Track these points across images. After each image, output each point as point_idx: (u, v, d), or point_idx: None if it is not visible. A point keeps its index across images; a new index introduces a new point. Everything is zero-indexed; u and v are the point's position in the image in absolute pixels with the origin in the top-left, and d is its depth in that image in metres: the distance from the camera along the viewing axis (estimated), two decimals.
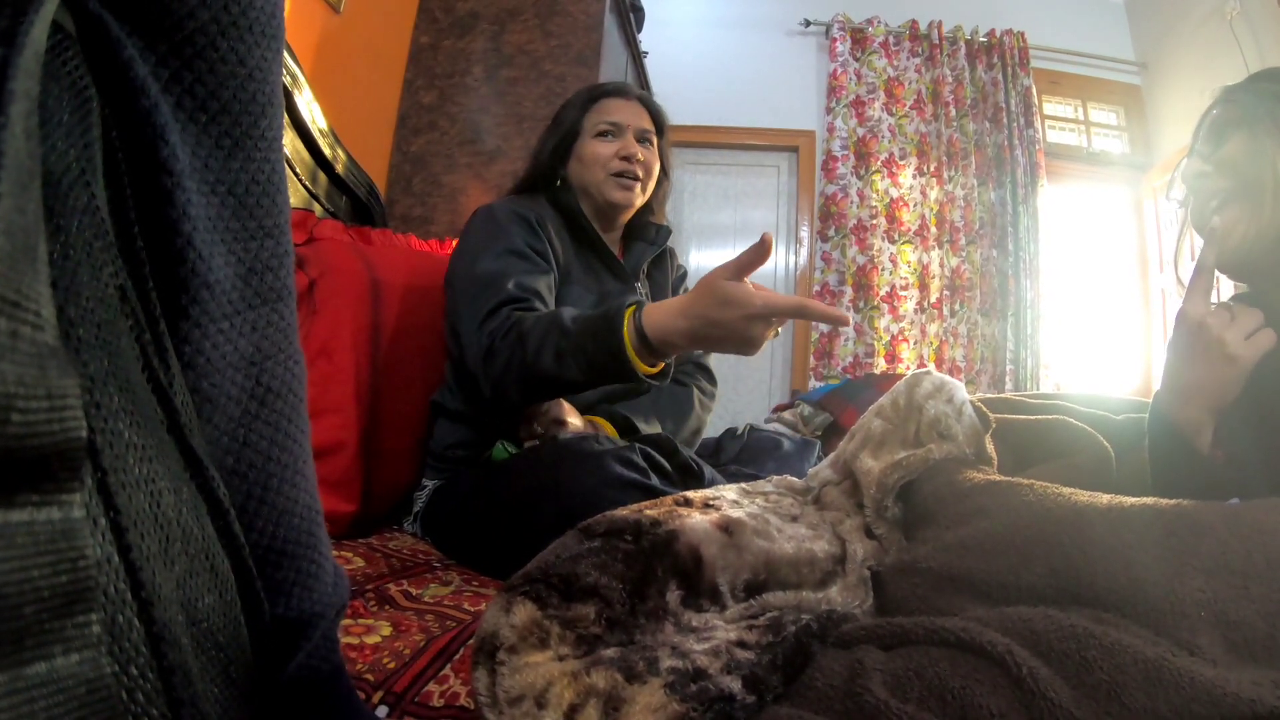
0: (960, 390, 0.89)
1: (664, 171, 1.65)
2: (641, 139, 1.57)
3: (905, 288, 4.00)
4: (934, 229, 4.06)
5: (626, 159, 1.52)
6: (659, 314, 1.09)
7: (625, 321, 1.09)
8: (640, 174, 1.54)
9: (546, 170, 1.58)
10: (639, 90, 1.66)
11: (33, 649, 0.22)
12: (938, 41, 4.17)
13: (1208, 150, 0.88)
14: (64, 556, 0.23)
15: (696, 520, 0.68)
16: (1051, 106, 4.36)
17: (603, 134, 1.54)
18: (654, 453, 1.17)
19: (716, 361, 1.72)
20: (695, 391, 1.60)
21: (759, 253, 1.01)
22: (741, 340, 1.04)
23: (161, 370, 0.33)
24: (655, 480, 1.10)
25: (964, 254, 4.05)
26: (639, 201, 1.57)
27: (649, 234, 1.66)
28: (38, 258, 0.23)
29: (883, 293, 3.97)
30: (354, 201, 2.05)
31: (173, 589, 0.31)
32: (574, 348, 1.12)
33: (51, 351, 0.23)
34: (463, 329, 1.30)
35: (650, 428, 1.43)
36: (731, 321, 1.02)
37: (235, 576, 0.37)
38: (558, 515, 0.73)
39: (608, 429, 1.38)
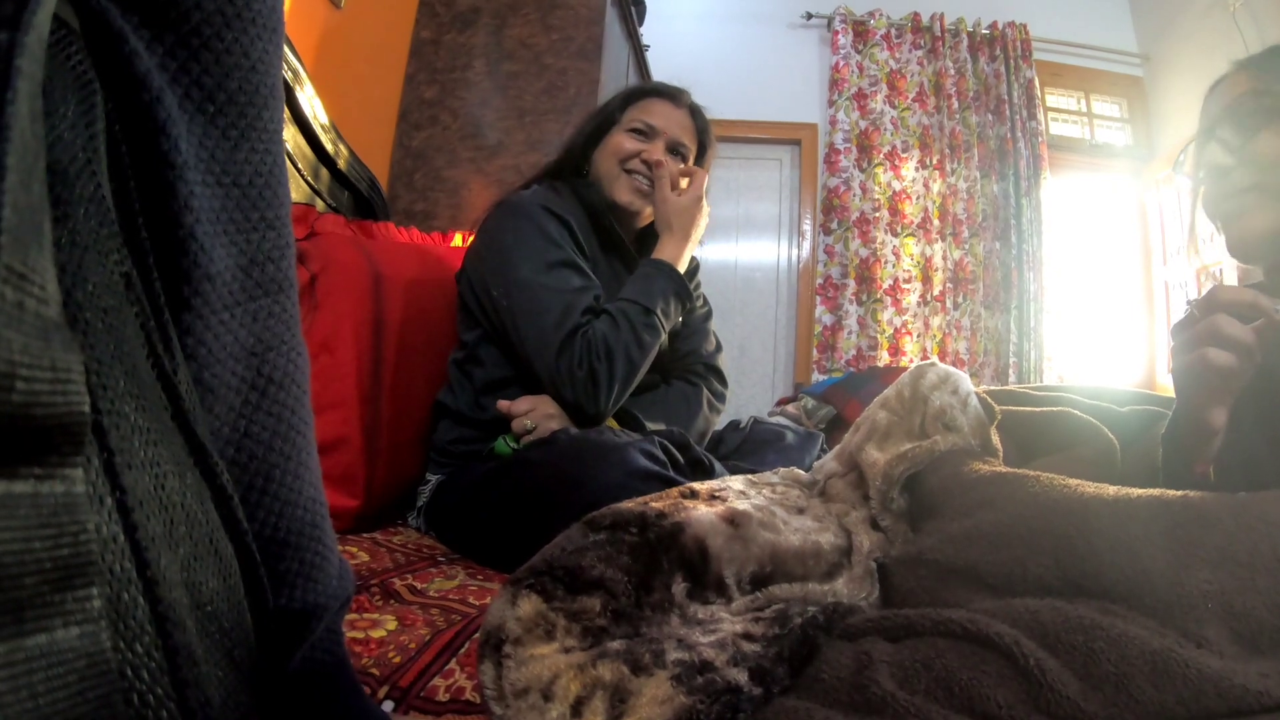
0: (965, 382, 0.89)
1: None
2: (674, 150, 1.52)
3: (908, 280, 4.00)
4: (936, 222, 4.05)
5: (646, 163, 1.49)
6: (667, 251, 1.43)
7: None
8: (661, 183, 1.48)
9: (578, 155, 1.55)
10: (694, 102, 1.60)
11: (33, 620, 0.22)
12: (940, 34, 4.16)
13: (1234, 141, 0.85)
14: (65, 530, 0.24)
15: (702, 512, 0.68)
16: (1054, 98, 4.35)
17: (635, 131, 1.51)
18: (670, 446, 1.17)
19: (725, 360, 1.71)
20: (705, 393, 1.57)
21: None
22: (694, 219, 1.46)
23: (166, 358, 0.33)
24: (673, 473, 1.10)
25: (967, 246, 4.04)
26: (646, 210, 1.53)
27: None
28: (43, 235, 0.23)
29: (885, 286, 3.96)
30: (356, 196, 2.05)
31: (177, 571, 0.31)
32: (662, 315, 1.36)
33: (55, 326, 0.23)
34: (530, 351, 1.32)
35: (656, 427, 1.42)
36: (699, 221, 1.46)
37: (239, 563, 0.37)
38: (582, 506, 0.73)
39: (613, 425, 1.38)
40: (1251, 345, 0.70)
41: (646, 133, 1.51)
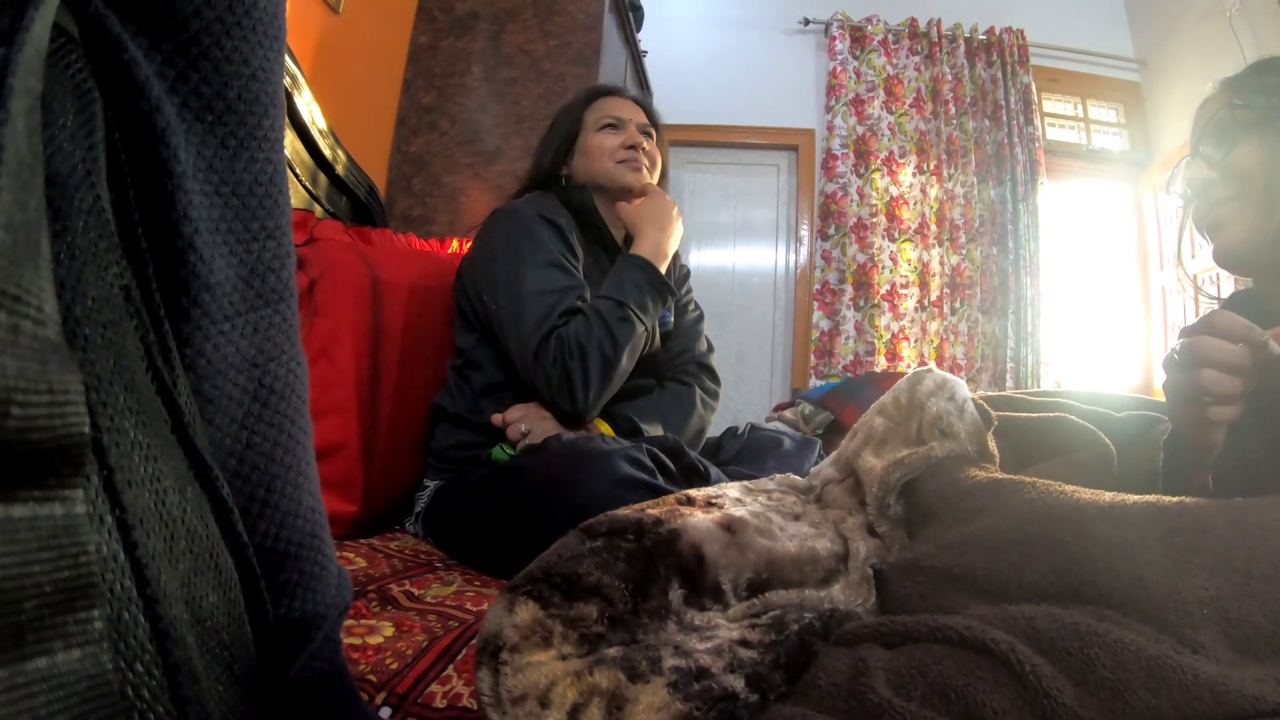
0: (962, 388, 0.89)
1: (663, 172, 1.66)
2: (645, 133, 1.60)
3: (905, 286, 4.00)
4: (934, 227, 4.06)
5: (632, 147, 1.56)
6: (642, 248, 1.47)
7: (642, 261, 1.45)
8: (647, 162, 1.57)
9: (548, 170, 1.60)
10: (635, 92, 1.72)
11: (34, 644, 0.22)
12: (937, 39, 4.17)
13: (1215, 155, 0.86)
14: (65, 552, 0.23)
15: (699, 519, 0.68)
16: (1051, 104, 4.35)
17: (606, 127, 1.58)
18: (660, 454, 1.17)
19: (717, 360, 1.72)
20: (698, 392, 1.59)
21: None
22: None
23: (166, 371, 0.33)
24: (661, 481, 1.10)
25: (964, 252, 4.04)
26: (653, 181, 1.60)
27: None
28: (40, 253, 0.23)
29: (883, 291, 3.96)
30: (354, 202, 2.05)
31: (177, 587, 0.31)
32: (636, 308, 1.37)
33: (53, 347, 0.23)
34: (514, 355, 1.35)
35: (652, 429, 1.43)
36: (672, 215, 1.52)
37: (239, 576, 0.37)
38: (568, 514, 0.74)
39: (607, 430, 1.38)
40: (1247, 367, 0.70)
41: (618, 125, 1.59)
